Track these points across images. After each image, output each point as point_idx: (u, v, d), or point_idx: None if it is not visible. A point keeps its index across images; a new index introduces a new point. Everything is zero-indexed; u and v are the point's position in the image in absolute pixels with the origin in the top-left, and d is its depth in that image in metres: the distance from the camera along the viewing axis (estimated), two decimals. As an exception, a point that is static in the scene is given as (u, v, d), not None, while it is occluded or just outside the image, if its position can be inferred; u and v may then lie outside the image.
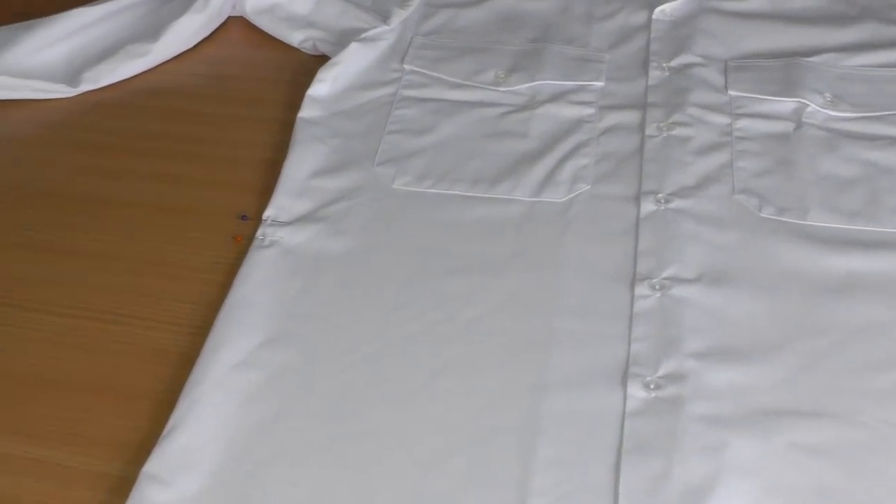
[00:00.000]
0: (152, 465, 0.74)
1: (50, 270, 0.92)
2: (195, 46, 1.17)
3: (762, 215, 0.90)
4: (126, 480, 0.74)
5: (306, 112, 1.03)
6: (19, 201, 0.99)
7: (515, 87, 1.04)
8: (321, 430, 0.76)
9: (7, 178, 1.01)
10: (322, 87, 1.05)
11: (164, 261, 0.92)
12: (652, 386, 0.77)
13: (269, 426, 0.76)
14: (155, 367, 0.83)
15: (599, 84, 1.05)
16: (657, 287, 0.84)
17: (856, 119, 0.99)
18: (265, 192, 0.95)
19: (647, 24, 1.11)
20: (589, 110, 1.02)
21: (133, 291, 0.89)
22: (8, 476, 0.77)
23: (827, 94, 1.01)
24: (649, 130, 0.99)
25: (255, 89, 1.12)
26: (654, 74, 1.05)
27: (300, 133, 1.00)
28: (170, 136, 1.05)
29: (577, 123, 1.00)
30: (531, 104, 1.03)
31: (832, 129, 0.98)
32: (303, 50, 1.15)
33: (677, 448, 0.74)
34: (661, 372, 0.78)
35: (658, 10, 1.12)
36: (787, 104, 1.01)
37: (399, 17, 1.13)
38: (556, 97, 1.03)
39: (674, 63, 1.06)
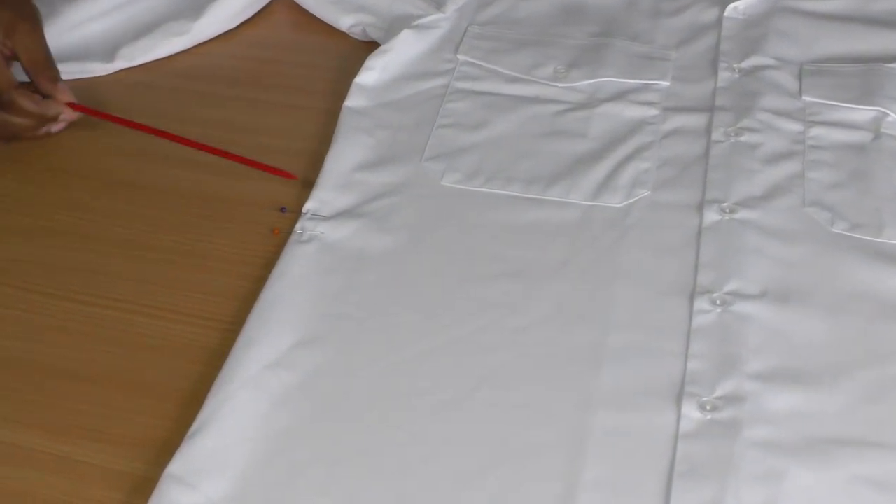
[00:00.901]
0: (176, 466, 0.75)
1: (74, 257, 0.93)
2: (237, 27, 1.19)
3: (833, 230, 0.90)
4: (148, 481, 0.75)
5: (353, 101, 1.04)
6: (47, 183, 1.00)
7: (575, 84, 1.05)
8: (355, 437, 0.77)
9: (33, 158, 1.02)
10: (370, 75, 1.06)
11: (197, 251, 0.93)
12: (708, 407, 0.77)
13: (301, 430, 0.77)
14: (183, 363, 0.84)
15: (664, 84, 1.05)
16: (718, 302, 0.84)
17: (939, 132, 0.99)
18: (306, 185, 0.96)
19: (718, 22, 1.11)
20: (652, 111, 1.02)
21: (162, 282, 0.90)
22: (26, 470, 0.78)
23: (909, 104, 1.00)
24: (716, 135, 0.99)
25: (299, 75, 1.13)
26: (724, 76, 1.05)
27: (345, 123, 1.01)
28: (207, 122, 1.06)
29: (640, 125, 1.00)
30: (591, 102, 1.03)
31: (913, 141, 0.98)
32: (351, 35, 1.16)
33: (732, 474, 0.74)
34: (718, 392, 0.78)
35: (730, 7, 1.12)
36: (864, 113, 1.00)
37: (455, 4, 1.13)
38: (618, 96, 1.03)
39: (745, 64, 1.06)
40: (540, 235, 0.90)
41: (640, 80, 1.05)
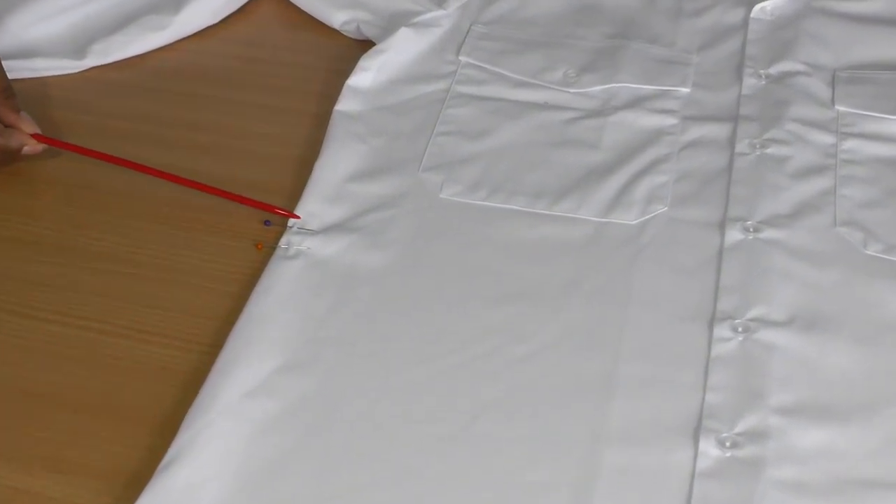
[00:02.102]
0: (146, 502, 0.74)
1: (38, 270, 0.93)
2: (221, 23, 1.19)
3: (867, 252, 0.90)
4: (115, 517, 0.75)
5: (345, 105, 1.04)
6: (7, 187, 1.00)
7: (588, 89, 1.05)
8: (342, 472, 0.77)
9: (-1, 163, 1.03)
10: (365, 76, 1.06)
11: (174, 267, 0.93)
12: (728, 443, 0.78)
13: (283, 464, 0.77)
14: (156, 388, 0.84)
15: (685, 90, 1.05)
16: (740, 329, 0.84)
17: (983, 146, 0.99)
18: (293, 195, 0.96)
19: (744, 24, 1.12)
20: (671, 120, 1.02)
21: (137, 300, 0.91)
22: (-20, 506, 0.78)
23: (952, 116, 1.01)
24: (740, 147, 0.99)
25: (287, 76, 1.13)
26: (749, 82, 1.05)
27: (337, 129, 1.01)
28: (187, 125, 1.07)
29: (657, 135, 1.01)
30: (605, 110, 1.03)
31: (955, 156, 0.98)
32: (344, 33, 1.17)
33: (753, 518, 0.74)
34: (739, 428, 0.78)
35: (757, 7, 1.12)
36: (903, 125, 1.01)
37: (457, 1, 1.14)
38: (634, 103, 1.04)
39: (772, 70, 1.06)
40: (547, 254, 0.91)
41: (658, 86, 1.05)
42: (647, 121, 1.02)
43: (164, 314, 0.89)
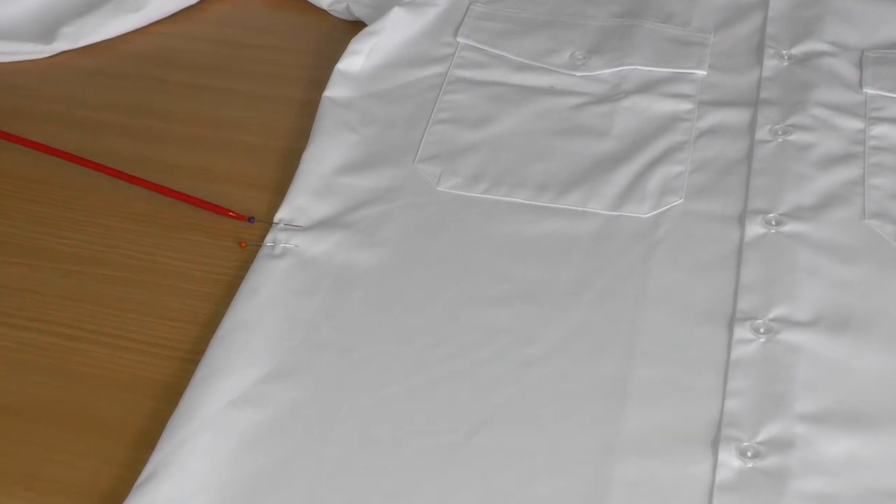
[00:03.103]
0: (124, 521, 0.75)
1: (8, 272, 0.93)
2: (200, 3, 1.19)
3: (898, 246, 0.91)
4: (90, 538, 0.76)
5: (334, 91, 1.04)
6: (-24, 186, 1.01)
7: (596, 73, 1.05)
8: (335, 489, 0.77)
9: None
10: (355, 60, 1.07)
11: (152, 268, 0.93)
12: (750, 453, 0.78)
13: (271, 479, 0.77)
14: (133, 399, 0.84)
15: (701, 73, 1.05)
16: (762, 330, 0.85)
17: None
18: (279, 189, 0.97)
19: (765, 1, 1.12)
20: (686, 105, 1.02)
21: (110, 304, 0.91)
22: (-55, 527, 0.78)
23: None
24: (760, 134, 0.99)
25: (272, 61, 1.13)
26: (770, 64, 1.06)
27: (326, 117, 1.02)
28: (164, 115, 1.07)
29: (671, 121, 1.01)
30: (614, 95, 1.04)
31: None
32: (333, 14, 1.17)
33: (778, 533, 0.75)
34: (761, 436, 0.79)
35: (779, -18, 1.13)
36: (937, 109, 1.01)
37: (455, -22, 1.14)
38: (647, 87, 1.04)
39: (795, 51, 1.07)
40: (553, 251, 0.91)
41: (672, 68, 1.06)
42: (660, 106, 1.02)
43: (139, 319, 0.90)
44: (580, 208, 0.94)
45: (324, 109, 1.02)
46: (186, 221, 0.96)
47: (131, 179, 0.97)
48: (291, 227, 0.93)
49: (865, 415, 0.80)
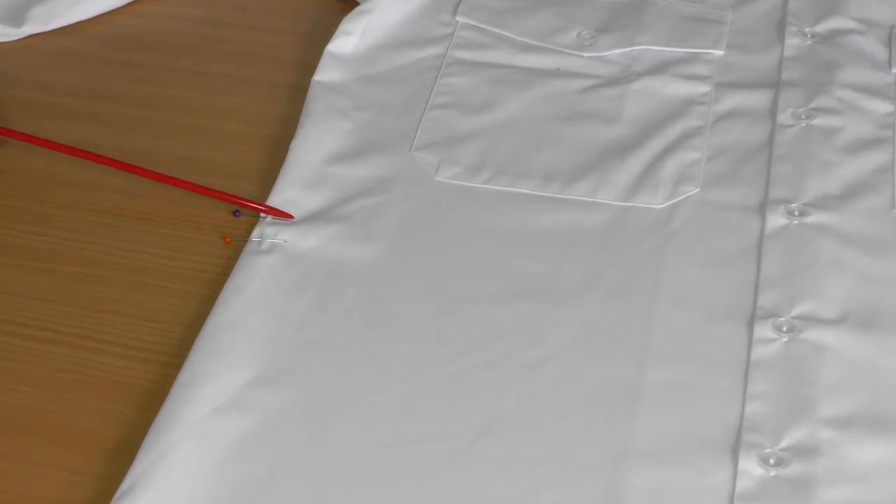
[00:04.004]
0: (102, 536, 0.75)
1: (-22, 272, 0.94)
2: (181, -18, 1.20)
3: (931, 238, 0.91)
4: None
5: (325, 74, 1.04)
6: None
7: (606, 53, 1.05)
8: (326, 499, 0.77)
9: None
10: (347, 41, 1.07)
11: (129, 265, 0.94)
12: (772, 461, 0.78)
13: (259, 491, 0.77)
14: (111, 406, 0.84)
15: (718, 53, 1.05)
16: (784, 328, 0.85)
17: None
18: (266, 180, 0.97)
19: (786, -25, 1.12)
20: (702, 87, 1.03)
21: (86, 304, 0.91)
22: None
23: None
24: (782, 118, 0.99)
25: (259, 42, 1.14)
26: (793, 42, 1.06)
27: (316, 102, 1.02)
28: (142, 102, 1.07)
29: (686, 105, 1.01)
30: (625, 76, 1.04)
31: None
32: (323, -9, 1.17)
33: (803, 547, 0.75)
34: (785, 442, 0.79)
35: (801, -45, 1.13)
36: (972, 90, 1.01)
37: (453, -49, 1.14)
38: (660, 68, 1.04)
39: (819, 28, 1.07)
40: (560, 245, 0.91)
41: (688, 48, 1.06)
42: (674, 89, 1.03)
43: (117, 320, 0.90)
44: (589, 199, 0.94)
45: (313, 94, 1.03)
46: (167, 215, 0.96)
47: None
48: (279, 221, 0.93)
49: (894, 419, 0.80)
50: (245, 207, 0.94)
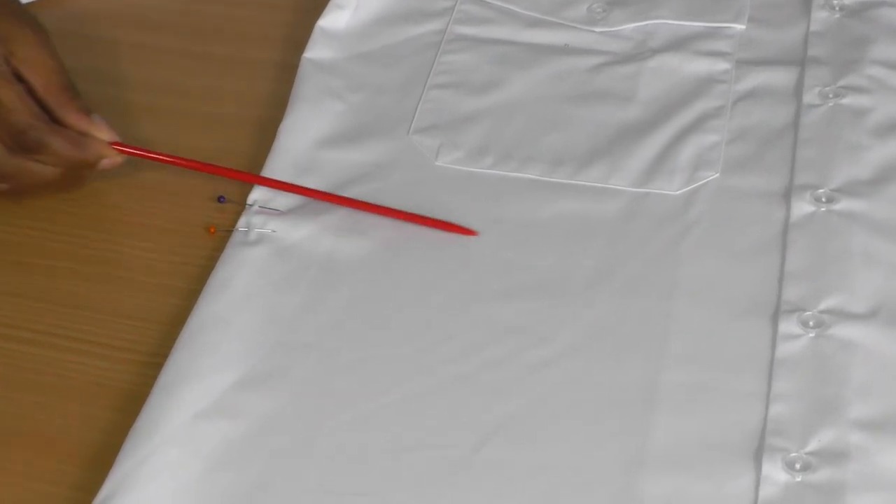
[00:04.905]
0: (78, 550, 0.76)
1: (-55, 266, 0.94)
2: (160, -48, 1.20)
3: (969, 227, 0.91)
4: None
5: (316, 52, 1.04)
6: None
7: (618, 28, 1.05)
8: (320, 511, 0.77)
9: None
10: (340, 16, 1.07)
11: (105, 258, 0.94)
12: (798, 466, 0.78)
13: (246, 501, 0.77)
14: (87, 410, 0.84)
15: (739, 27, 1.05)
16: (811, 324, 0.85)
17: None
18: (253, 165, 0.97)
19: (812, -58, 1.12)
20: (723, 65, 1.02)
21: (60, 300, 0.91)
22: None
23: None
24: (808, 97, 0.99)
25: (245, 18, 1.14)
26: (820, 16, 1.05)
27: (307, 82, 1.02)
28: (117, 82, 1.07)
29: (706, 83, 1.01)
30: (640, 53, 1.04)
31: None
32: (314, -38, 1.17)
33: (832, 558, 0.75)
34: (812, 446, 0.79)
35: (829, -80, 1.13)
36: None
37: (454, -83, 1.14)
38: (677, 44, 1.04)
39: (848, 0, 1.07)
40: (570, 235, 0.91)
41: (707, 22, 1.06)
42: (692, 66, 1.03)
43: (93, 317, 0.90)
44: (601, 185, 0.94)
45: (304, 73, 1.03)
46: (146, 204, 0.96)
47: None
48: (268, 211, 0.93)
49: (931, 421, 0.80)
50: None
